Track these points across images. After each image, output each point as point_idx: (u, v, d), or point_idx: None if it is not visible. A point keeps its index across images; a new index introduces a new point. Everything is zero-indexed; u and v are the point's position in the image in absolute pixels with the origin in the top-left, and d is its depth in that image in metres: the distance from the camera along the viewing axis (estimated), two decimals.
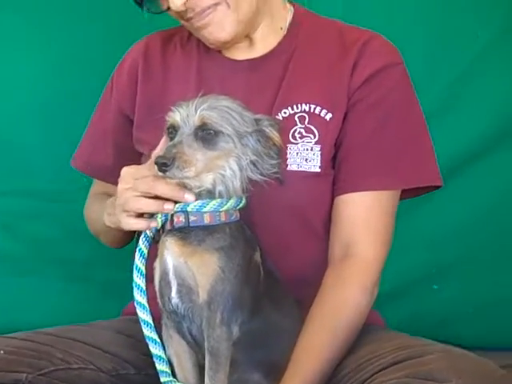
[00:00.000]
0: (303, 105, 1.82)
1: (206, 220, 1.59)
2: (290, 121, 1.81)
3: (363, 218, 1.79)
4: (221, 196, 1.59)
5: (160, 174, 1.54)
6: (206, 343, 1.59)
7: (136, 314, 1.83)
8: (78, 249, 2.59)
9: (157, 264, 1.65)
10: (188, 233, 1.59)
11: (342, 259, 1.79)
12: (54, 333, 1.74)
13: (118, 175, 1.95)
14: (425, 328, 2.08)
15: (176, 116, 1.59)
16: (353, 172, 1.80)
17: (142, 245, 1.67)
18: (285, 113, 1.82)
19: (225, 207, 1.60)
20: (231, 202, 1.61)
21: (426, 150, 1.85)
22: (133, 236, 1.99)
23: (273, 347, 1.68)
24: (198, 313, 1.60)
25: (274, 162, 1.61)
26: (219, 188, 1.59)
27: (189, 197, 1.58)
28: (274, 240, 1.75)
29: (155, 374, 1.70)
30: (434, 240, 2.63)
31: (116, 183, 1.95)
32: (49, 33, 2.60)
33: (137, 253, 1.67)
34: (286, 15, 1.92)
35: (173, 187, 1.58)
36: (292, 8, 1.93)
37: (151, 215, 1.63)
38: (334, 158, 1.83)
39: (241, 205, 1.63)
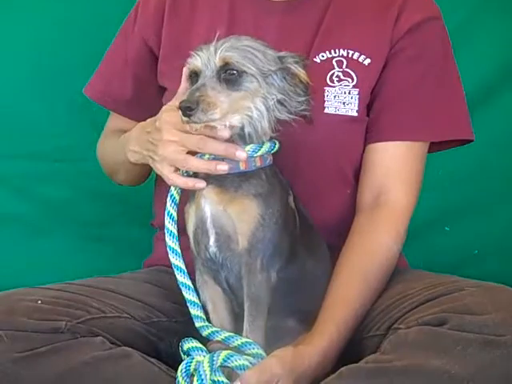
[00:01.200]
0: (341, 50, 1.81)
1: (242, 166, 1.57)
2: (327, 64, 1.80)
3: (397, 167, 1.81)
4: (251, 138, 1.57)
5: (185, 118, 1.51)
6: (245, 290, 1.59)
7: (163, 263, 1.91)
8: (91, 208, 2.56)
9: (190, 211, 1.63)
10: (224, 180, 1.57)
11: (373, 206, 1.80)
12: (86, 284, 1.74)
13: (136, 109, 1.98)
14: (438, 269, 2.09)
15: (196, 61, 1.56)
16: (390, 121, 1.81)
17: (174, 191, 1.66)
18: (322, 56, 1.81)
19: (259, 152, 1.58)
20: (265, 147, 1.59)
21: (461, 104, 1.87)
22: (149, 173, 2.00)
23: (307, 293, 1.68)
24: (237, 260, 1.60)
25: (301, 99, 1.58)
26: (248, 129, 1.56)
27: (241, 154, 1.55)
28: (304, 185, 1.75)
29: (186, 321, 1.72)
30: (446, 182, 2.62)
31: (134, 117, 1.99)
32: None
33: (168, 199, 1.66)
34: None
35: (225, 145, 1.55)
36: None
37: None
38: (368, 105, 1.83)
39: (275, 149, 1.62)
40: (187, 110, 1.49)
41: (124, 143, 1.80)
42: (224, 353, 1.54)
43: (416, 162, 1.83)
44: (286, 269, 1.62)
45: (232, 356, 1.53)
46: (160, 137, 1.61)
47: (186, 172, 1.62)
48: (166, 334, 1.76)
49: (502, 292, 1.52)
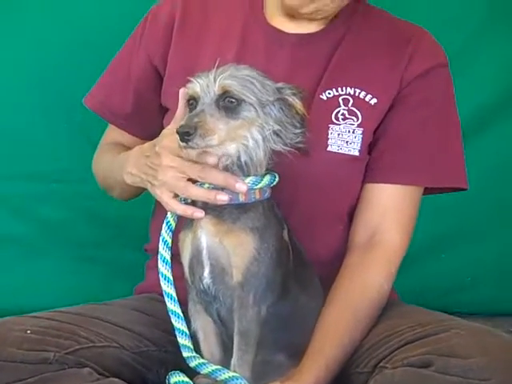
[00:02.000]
0: (348, 88, 1.81)
1: (241, 198, 1.57)
2: (333, 102, 1.80)
3: (394, 208, 1.82)
4: (247, 167, 1.57)
5: (182, 143, 1.51)
6: (236, 324, 1.59)
7: (154, 290, 1.90)
8: (87, 229, 2.59)
9: (187, 239, 1.63)
10: (221, 211, 1.57)
11: (367, 245, 1.81)
12: (75, 312, 1.73)
13: (135, 124, 1.99)
14: (430, 297, 2.11)
15: (196, 87, 1.56)
16: (391, 163, 1.82)
17: (171, 217, 1.66)
18: (329, 93, 1.81)
19: (259, 185, 1.58)
20: (266, 180, 1.59)
21: (459, 153, 1.89)
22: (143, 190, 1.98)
23: (298, 329, 1.68)
24: (230, 293, 1.59)
25: (297, 131, 1.58)
26: (244, 158, 1.56)
27: (241, 186, 1.55)
28: (300, 218, 1.76)
29: (175, 351, 1.71)
30: (441, 210, 2.63)
31: (131, 132, 2.00)
32: None
33: (164, 225, 1.66)
34: None
35: (225, 175, 1.55)
36: None
37: None
38: (370, 144, 1.83)
39: (274, 182, 1.62)
40: (185, 135, 1.49)
41: (122, 164, 1.79)
42: None
43: (412, 205, 1.84)
44: (278, 304, 1.62)
45: None
46: (159, 162, 1.60)
47: (184, 199, 1.62)
48: (154, 364, 1.76)
49: (489, 335, 1.51)
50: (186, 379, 1.60)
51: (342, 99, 1.81)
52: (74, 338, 1.62)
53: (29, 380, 1.52)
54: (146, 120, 1.98)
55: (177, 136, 1.51)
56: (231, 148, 1.55)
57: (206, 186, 1.59)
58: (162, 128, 1.94)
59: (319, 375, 1.61)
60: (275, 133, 1.58)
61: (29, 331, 1.59)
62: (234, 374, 1.58)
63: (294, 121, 1.59)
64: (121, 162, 1.81)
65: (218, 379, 1.59)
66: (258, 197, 1.59)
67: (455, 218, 2.68)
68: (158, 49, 1.92)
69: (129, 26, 2.17)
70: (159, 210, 1.99)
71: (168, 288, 1.67)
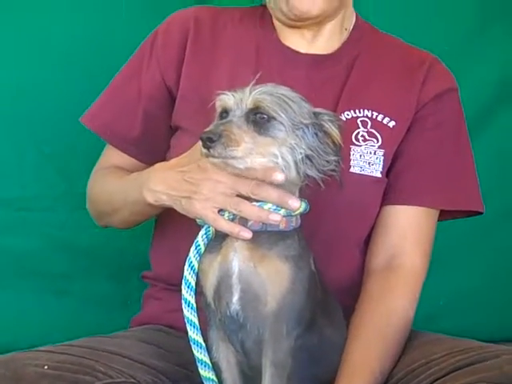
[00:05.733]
0: (365, 110, 1.81)
1: (281, 225, 1.52)
2: (352, 123, 1.79)
3: (412, 231, 1.81)
4: (282, 187, 1.50)
5: (204, 150, 1.45)
6: (270, 355, 1.52)
7: (155, 321, 1.87)
8: (55, 260, 2.43)
9: (214, 263, 1.55)
10: (257, 236, 1.51)
11: (387, 269, 1.79)
12: (87, 345, 1.63)
13: (141, 148, 1.92)
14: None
15: (229, 99, 1.51)
16: (410, 185, 1.82)
17: (201, 240, 1.57)
18: (347, 115, 1.80)
19: (297, 211, 1.54)
20: (303, 206, 1.55)
21: (473, 175, 1.90)
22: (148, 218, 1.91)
23: (324, 362, 1.63)
24: (259, 322, 1.53)
25: (330, 158, 1.53)
26: None
27: (293, 203, 1.50)
28: (320, 245, 1.70)
29: None
30: None
31: (135, 156, 1.92)
32: None
33: (193, 248, 1.56)
34: (352, 16, 1.91)
35: (279, 192, 1.49)
36: (354, 11, 1.93)
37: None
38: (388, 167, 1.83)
39: (307, 210, 1.57)
40: (208, 140, 1.44)
41: (139, 183, 1.69)
42: None
43: (430, 227, 1.85)
44: (304, 336, 1.56)
45: None
46: (205, 176, 1.53)
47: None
48: None
49: None
50: None
51: (361, 121, 1.80)
52: (94, 373, 1.53)
53: None
54: (153, 143, 1.91)
55: (199, 142, 1.46)
56: (257, 162, 1.48)
57: (226, 214, 1.53)
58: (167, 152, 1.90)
59: None
60: (308, 157, 1.53)
61: (46, 367, 1.49)
62: None
63: (327, 148, 1.54)
64: (138, 181, 1.72)
65: None
66: (294, 224, 1.55)
67: None
68: (171, 69, 1.87)
69: (94, 56, 2.20)
70: (162, 237, 1.92)
71: (191, 316, 1.57)
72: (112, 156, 1.95)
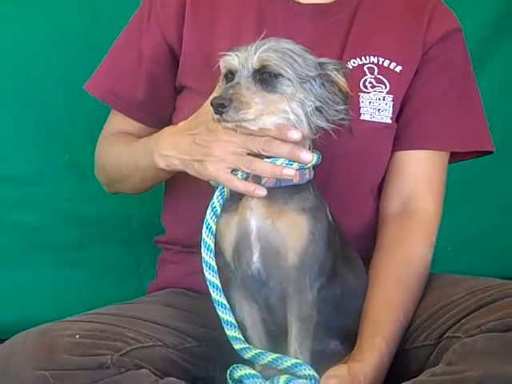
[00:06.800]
0: (371, 57, 1.79)
1: (295, 179, 1.52)
2: (359, 71, 1.78)
3: (425, 175, 1.82)
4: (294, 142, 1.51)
5: (216, 116, 1.46)
6: (295, 309, 1.54)
7: (173, 285, 1.89)
8: (66, 232, 2.43)
9: (232, 223, 1.55)
10: (272, 192, 1.51)
11: (403, 214, 1.80)
12: (112, 312, 1.65)
13: (146, 112, 1.90)
14: None
15: (233, 60, 1.50)
16: (420, 129, 1.82)
17: (217, 202, 1.56)
18: (354, 63, 1.79)
19: (310, 164, 1.54)
20: (315, 158, 1.55)
21: (482, 115, 1.90)
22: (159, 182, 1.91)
23: (348, 311, 1.65)
24: (282, 278, 1.54)
25: (339, 107, 1.54)
26: None
27: (305, 156, 1.50)
28: (335, 195, 1.70)
29: (215, 345, 1.67)
30: None
31: (141, 120, 1.90)
32: None
33: (209, 210, 1.56)
34: None
35: (291, 146, 1.49)
36: None
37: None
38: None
39: (319, 161, 1.58)
40: (219, 106, 1.44)
41: (150, 148, 1.69)
42: (283, 377, 1.48)
43: (442, 171, 1.85)
44: (328, 287, 1.57)
45: (290, 380, 1.48)
46: (215, 138, 1.52)
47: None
48: (199, 360, 1.69)
49: None
50: (253, 371, 1.54)
51: (368, 68, 1.79)
52: (123, 339, 1.54)
53: None
54: (158, 105, 1.89)
55: (211, 108, 1.46)
56: (269, 122, 1.49)
57: (239, 173, 1.53)
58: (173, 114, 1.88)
59: (381, 353, 1.58)
60: (317, 109, 1.53)
61: (77, 336, 1.50)
62: (298, 360, 1.53)
63: (336, 97, 1.54)
64: (148, 146, 1.72)
65: (279, 368, 1.54)
66: (308, 177, 1.55)
67: None
68: (172, 27, 1.84)
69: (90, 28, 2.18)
70: (174, 200, 1.92)
71: (213, 278, 1.57)
72: (117, 122, 1.94)
